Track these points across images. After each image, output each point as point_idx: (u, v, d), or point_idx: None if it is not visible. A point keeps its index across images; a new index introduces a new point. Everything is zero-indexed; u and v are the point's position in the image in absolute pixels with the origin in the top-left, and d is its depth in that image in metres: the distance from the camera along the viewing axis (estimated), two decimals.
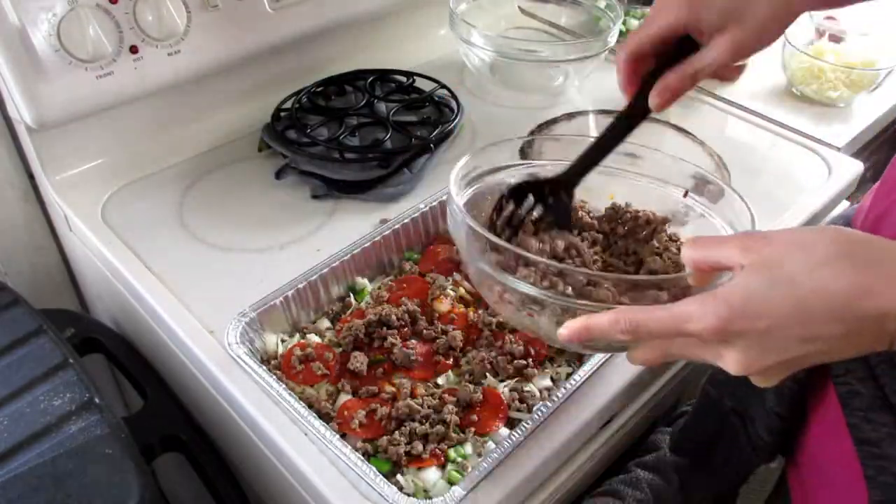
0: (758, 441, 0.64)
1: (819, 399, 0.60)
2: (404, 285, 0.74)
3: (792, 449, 0.64)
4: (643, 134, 0.96)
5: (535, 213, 0.63)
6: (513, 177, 0.66)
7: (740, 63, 0.57)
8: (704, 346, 0.44)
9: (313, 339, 0.68)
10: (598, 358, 0.64)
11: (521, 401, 0.63)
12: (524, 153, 0.92)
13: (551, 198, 0.62)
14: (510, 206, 0.61)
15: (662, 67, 0.55)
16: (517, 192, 0.62)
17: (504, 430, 0.60)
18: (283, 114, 0.93)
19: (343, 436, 0.59)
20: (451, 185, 0.59)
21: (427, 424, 0.60)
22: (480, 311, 0.70)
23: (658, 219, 0.68)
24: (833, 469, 0.59)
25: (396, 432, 0.60)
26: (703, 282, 0.49)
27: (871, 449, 0.54)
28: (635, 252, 0.66)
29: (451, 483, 0.57)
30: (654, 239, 0.66)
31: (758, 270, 0.42)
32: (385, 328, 0.67)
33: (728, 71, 0.57)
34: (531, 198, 0.62)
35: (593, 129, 0.99)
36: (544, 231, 0.63)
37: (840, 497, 0.58)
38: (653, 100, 0.56)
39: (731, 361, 0.43)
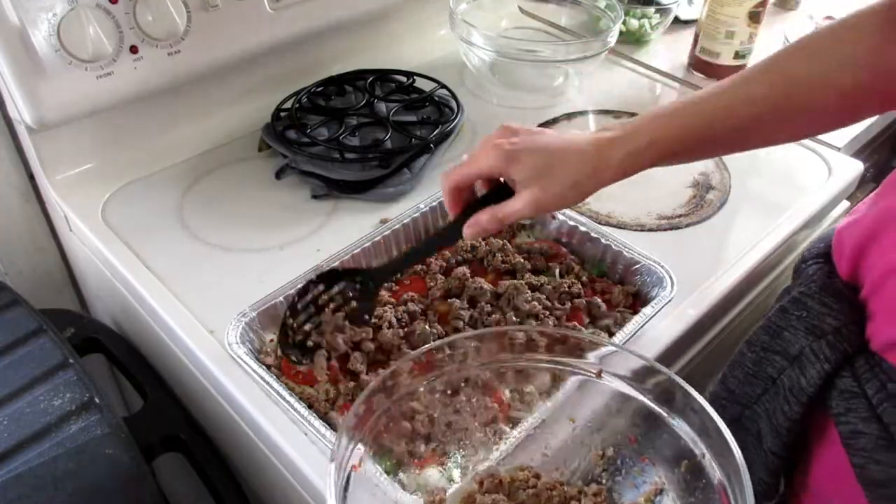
0: (756, 483, 0.63)
1: (820, 439, 0.60)
2: (406, 282, 0.74)
3: (793, 486, 0.64)
4: None
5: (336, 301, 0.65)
6: None
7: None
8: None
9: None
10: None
11: (522, 401, 0.63)
12: None
13: (359, 285, 0.66)
14: (317, 289, 0.64)
15: (484, 200, 0.62)
16: (326, 278, 0.65)
17: (504, 429, 0.60)
18: (283, 114, 0.93)
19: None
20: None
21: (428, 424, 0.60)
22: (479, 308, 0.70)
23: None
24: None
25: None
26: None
27: (881, 491, 0.53)
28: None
29: (451, 482, 0.56)
30: None
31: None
32: (385, 328, 0.67)
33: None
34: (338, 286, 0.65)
35: (593, 129, 0.99)
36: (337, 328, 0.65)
37: None
38: (465, 230, 0.61)
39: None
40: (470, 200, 0.62)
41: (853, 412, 0.56)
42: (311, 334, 0.64)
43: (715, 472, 0.50)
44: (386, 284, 0.74)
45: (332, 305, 0.65)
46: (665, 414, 0.54)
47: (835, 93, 0.57)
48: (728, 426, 0.51)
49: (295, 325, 0.64)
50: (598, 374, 0.58)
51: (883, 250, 0.57)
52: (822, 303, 0.60)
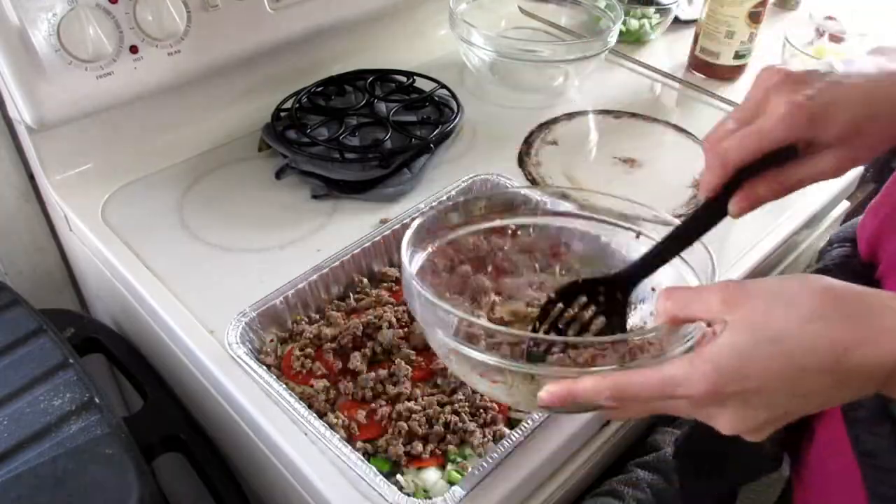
0: (761, 451, 0.64)
1: (822, 411, 0.60)
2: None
3: (797, 458, 0.64)
4: (644, 133, 0.96)
5: (587, 313, 0.55)
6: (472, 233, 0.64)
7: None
8: (694, 408, 0.43)
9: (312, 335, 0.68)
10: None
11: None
12: (522, 160, 0.92)
13: (603, 297, 0.55)
14: (558, 307, 0.55)
15: (751, 169, 0.47)
16: (566, 294, 0.55)
17: (504, 430, 0.60)
18: (283, 114, 0.93)
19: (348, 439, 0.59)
20: (402, 251, 0.56)
21: (426, 425, 0.60)
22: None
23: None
24: (835, 480, 0.59)
25: (396, 432, 0.60)
26: (673, 331, 0.47)
27: (872, 461, 0.54)
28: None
29: (451, 483, 0.57)
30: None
31: (743, 328, 0.41)
32: (385, 328, 0.67)
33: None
34: (583, 298, 0.55)
35: (593, 129, 0.99)
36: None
37: None
38: (734, 206, 0.49)
39: (723, 422, 0.43)
40: (724, 194, 0.49)
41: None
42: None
43: None
44: (385, 284, 0.74)
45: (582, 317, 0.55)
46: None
47: None
48: None
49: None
50: (637, 236, 0.61)
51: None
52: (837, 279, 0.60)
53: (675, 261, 0.54)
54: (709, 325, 0.45)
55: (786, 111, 0.45)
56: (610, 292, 0.55)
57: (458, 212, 0.62)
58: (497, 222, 0.65)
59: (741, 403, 0.41)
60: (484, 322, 0.51)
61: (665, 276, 0.55)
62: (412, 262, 0.58)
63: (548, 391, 0.46)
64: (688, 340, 0.47)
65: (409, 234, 0.58)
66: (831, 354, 0.39)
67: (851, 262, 0.62)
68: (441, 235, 0.62)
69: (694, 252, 0.54)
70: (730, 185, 0.48)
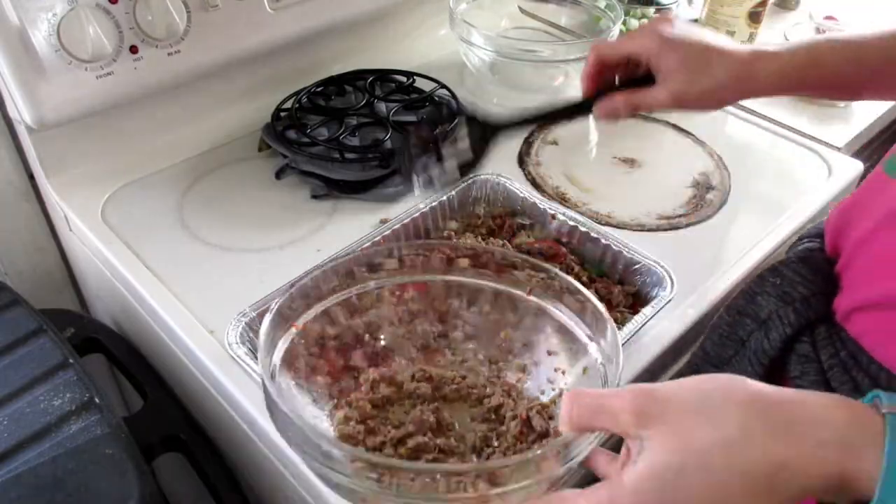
0: None
1: None
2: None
3: None
4: (644, 133, 0.96)
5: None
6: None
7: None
8: None
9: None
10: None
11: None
12: (522, 160, 0.92)
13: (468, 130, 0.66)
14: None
15: (621, 85, 0.63)
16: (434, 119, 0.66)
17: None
18: (283, 114, 0.93)
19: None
20: (259, 351, 0.51)
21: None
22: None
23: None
24: None
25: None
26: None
27: None
28: None
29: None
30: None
31: (664, 451, 0.38)
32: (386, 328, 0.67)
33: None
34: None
35: (593, 129, 0.99)
36: None
37: None
38: (597, 110, 0.63)
39: None
40: (607, 83, 0.63)
41: (806, 375, 0.59)
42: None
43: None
44: (385, 270, 0.74)
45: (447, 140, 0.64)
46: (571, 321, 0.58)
47: None
48: None
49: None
50: (529, 293, 0.61)
51: (855, 228, 0.60)
52: (797, 272, 0.63)
53: (565, 315, 0.58)
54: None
55: (647, 33, 0.60)
56: (477, 128, 0.66)
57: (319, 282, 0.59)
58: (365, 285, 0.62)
59: None
60: (376, 458, 0.45)
61: (551, 330, 0.59)
62: (274, 353, 0.53)
63: None
64: (594, 439, 0.45)
65: (265, 325, 0.53)
66: (765, 477, 0.37)
67: (814, 255, 0.64)
68: (304, 310, 0.58)
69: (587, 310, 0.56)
70: (600, 94, 0.63)
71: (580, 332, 0.57)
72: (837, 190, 0.89)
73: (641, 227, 0.82)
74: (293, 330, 0.56)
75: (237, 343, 0.64)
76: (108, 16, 0.75)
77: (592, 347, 0.56)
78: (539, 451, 0.45)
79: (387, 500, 0.43)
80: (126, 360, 0.78)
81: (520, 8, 1.20)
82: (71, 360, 0.64)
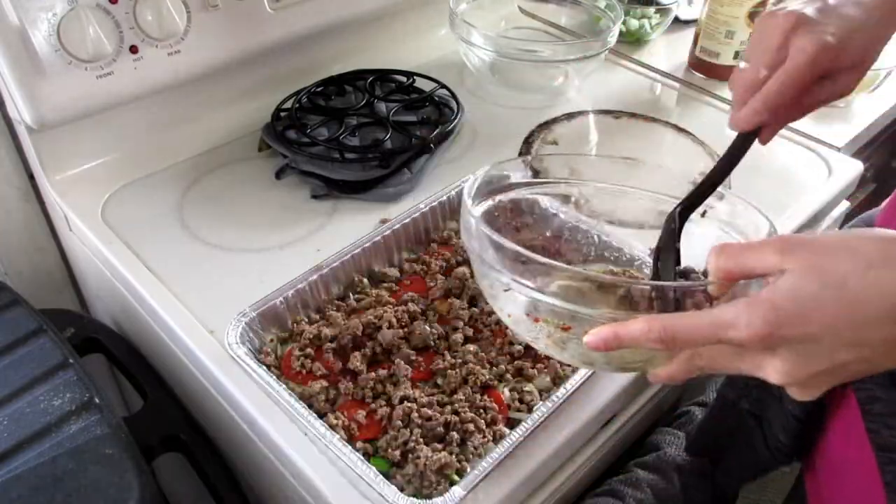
0: (774, 444, 0.64)
1: (838, 403, 0.60)
2: (406, 282, 0.74)
3: (809, 452, 0.64)
4: (644, 134, 0.96)
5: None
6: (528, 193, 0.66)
7: None
8: (743, 355, 0.42)
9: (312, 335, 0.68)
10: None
11: (521, 401, 0.63)
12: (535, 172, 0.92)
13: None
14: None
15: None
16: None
17: (504, 430, 0.60)
18: (283, 114, 0.93)
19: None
20: (465, 197, 0.57)
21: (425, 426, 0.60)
22: (479, 307, 0.70)
23: None
24: (851, 474, 0.59)
25: (397, 432, 0.60)
26: (725, 289, 0.45)
27: (890, 455, 0.54)
28: None
29: (451, 483, 0.57)
30: None
31: (805, 272, 0.39)
32: (385, 328, 0.67)
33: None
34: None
35: (593, 129, 0.99)
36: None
37: (857, 502, 0.57)
38: (765, 134, 0.57)
39: (774, 371, 0.41)
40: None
41: (872, 379, 0.56)
42: None
43: None
44: (385, 284, 0.74)
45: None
46: None
47: None
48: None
49: None
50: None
51: None
52: None
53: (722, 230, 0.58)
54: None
55: (813, 51, 0.50)
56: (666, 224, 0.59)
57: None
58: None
59: (797, 350, 0.39)
60: (543, 258, 0.48)
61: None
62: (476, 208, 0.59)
63: (594, 333, 0.44)
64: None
65: (475, 182, 0.59)
66: (895, 300, 0.38)
67: None
68: (504, 191, 0.63)
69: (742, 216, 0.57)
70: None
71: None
72: (837, 190, 0.89)
73: (641, 227, 0.82)
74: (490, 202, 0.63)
75: (237, 343, 0.64)
76: (108, 16, 0.75)
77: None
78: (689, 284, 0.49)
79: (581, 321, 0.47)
80: (126, 360, 0.78)
81: (520, 8, 1.20)
82: (71, 360, 0.64)
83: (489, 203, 0.64)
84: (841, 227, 0.94)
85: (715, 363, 0.44)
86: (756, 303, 0.39)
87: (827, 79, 0.54)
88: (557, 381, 0.65)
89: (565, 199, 0.73)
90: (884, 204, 0.66)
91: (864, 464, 0.55)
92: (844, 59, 0.52)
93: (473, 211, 0.57)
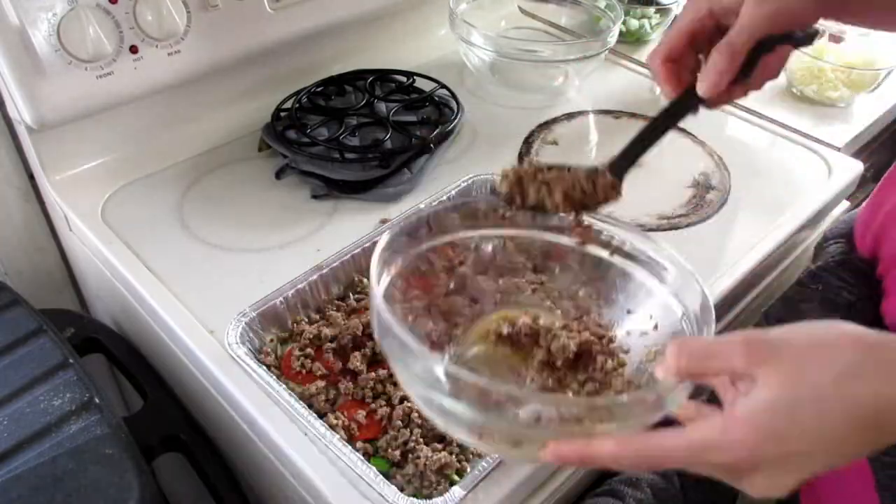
0: None
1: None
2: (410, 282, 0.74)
3: None
4: None
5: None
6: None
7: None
8: (725, 472, 0.40)
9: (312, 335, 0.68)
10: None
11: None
12: (522, 160, 0.92)
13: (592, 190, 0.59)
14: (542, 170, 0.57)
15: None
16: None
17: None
18: (283, 114, 0.93)
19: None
20: (371, 270, 0.51)
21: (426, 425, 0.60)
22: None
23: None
24: (846, 477, 0.59)
25: (397, 432, 0.60)
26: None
27: (882, 458, 0.54)
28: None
29: (451, 483, 0.57)
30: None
31: (778, 384, 0.38)
32: None
33: (771, 59, 0.54)
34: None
35: (593, 129, 0.99)
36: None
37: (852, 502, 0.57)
38: (700, 85, 0.52)
39: (755, 487, 0.40)
40: (690, 83, 0.53)
41: None
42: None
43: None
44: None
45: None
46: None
47: None
48: None
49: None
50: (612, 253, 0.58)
51: None
52: (839, 277, 0.61)
53: (659, 289, 0.56)
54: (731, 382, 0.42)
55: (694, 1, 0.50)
56: (601, 183, 0.58)
57: (429, 224, 0.58)
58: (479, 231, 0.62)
59: (777, 467, 0.39)
60: (473, 378, 0.44)
61: (652, 305, 0.57)
62: (380, 282, 0.53)
63: (555, 452, 0.42)
64: (689, 387, 0.44)
65: (378, 250, 0.53)
66: (874, 413, 0.37)
67: (852, 259, 0.62)
68: (414, 247, 0.58)
69: (681, 282, 0.56)
70: (687, 92, 0.52)
71: (664, 290, 0.56)
72: (837, 190, 0.89)
73: (641, 227, 0.82)
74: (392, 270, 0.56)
75: (237, 343, 0.64)
76: (108, 16, 0.75)
77: (676, 306, 0.54)
78: (642, 395, 0.45)
79: (499, 430, 0.44)
80: (126, 360, 0.78)
81: (520, 8, 1.20)
82: (71, 360, 0.64)
83: (401, 263, 0.57)
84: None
85: (694, 470, 0.42)
86: (735, 423, 0.38)
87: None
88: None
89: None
90: (864, 204, 0.66)
91: (859, 466, 0.55)
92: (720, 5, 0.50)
93: (375, 285, 0.51)
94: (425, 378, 0.45)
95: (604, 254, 0.60)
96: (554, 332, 0.56)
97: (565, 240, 0.61)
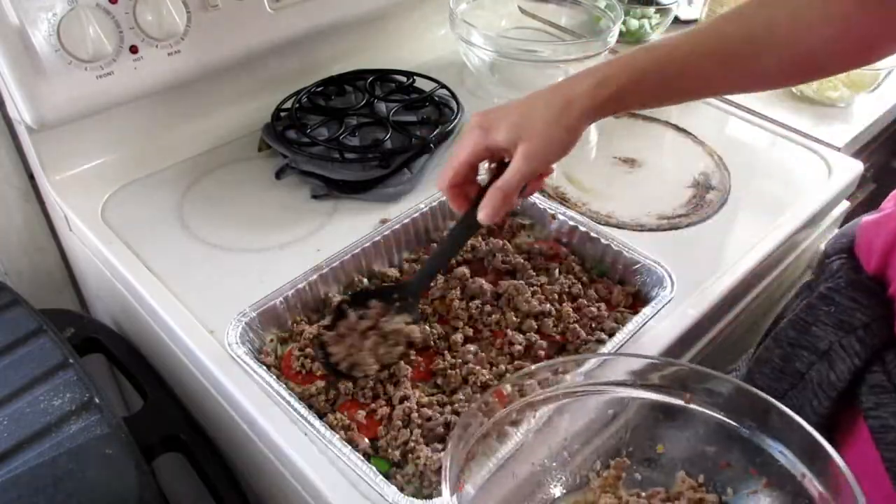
0: None
1: (849, 434, 0.60)
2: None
3: None
4: (644, 133, 0.96)
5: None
6: None
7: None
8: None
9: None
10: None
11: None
12: None
13: (398, 302, 0.67)
14: (352, 310, 0.66)
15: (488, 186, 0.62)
16: (359, 297, 0.67)
17: (506, 429, 0.60)
18: (283, 114, 0.93)
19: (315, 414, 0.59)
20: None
21: (426, 426, 0.60)
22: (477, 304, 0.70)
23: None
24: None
25: (397, 432, 0.60)
26: None
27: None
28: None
29: None
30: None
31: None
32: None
33: (534, 182, 0.66)
34: (376, 303, 0.67)
35: (593, 129, 0.99)
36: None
37: None
38: (479, 214, 0.62)
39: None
40: (477, 193, 0.63)
41: (884, 407, 0.56)
42: (346, 358, 0.64)
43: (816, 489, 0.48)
44: (385, 285, 0.74)
45: (364, 326, 0.66)
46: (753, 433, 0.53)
47: (816, 37, 0.58)
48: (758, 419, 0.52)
49: (327, 348, 0.64)
50: (688, 401, 0.55)
51: None
52: (851, 298, 0.60)
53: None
54: None
55: (467, 134, 0.62)
56: (403, 297, 0.67)
57: None
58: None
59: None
60: None
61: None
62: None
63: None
64: None
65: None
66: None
67: (860, 278, 0.62)
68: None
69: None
70: (473, 208, 0.62)
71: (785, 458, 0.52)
72: (837, 190, 0.89)
73: (641, 227, 0.82)
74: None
75: (237, 343, 0.64)
76: (108, 16, 0.75)
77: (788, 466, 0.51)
78: None
79: None
80: (126, 360, 0.78)
81: (520, 8, 1.20)
82: (71, 360, 0.64)
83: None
84: (841, 226, 0.94)
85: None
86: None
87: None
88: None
89: (563, 200, 0.71)
90: (865, 220, 0.66)
91: (881, 496, 0.55)
92: (496, 136, 0.61)
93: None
94: None
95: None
96: None
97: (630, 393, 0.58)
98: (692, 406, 0.56)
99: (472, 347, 0.66)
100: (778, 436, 0.52)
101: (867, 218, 0.65)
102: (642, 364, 0.57)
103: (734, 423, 0.54)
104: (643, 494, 0.55)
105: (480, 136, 0.61)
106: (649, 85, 0.60)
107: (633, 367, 0.57)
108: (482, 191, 0.63)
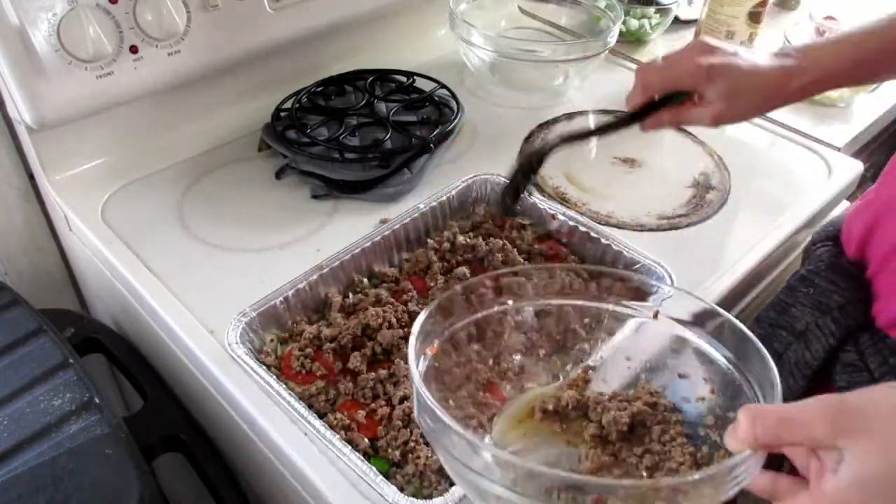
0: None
1: None
2: (407, 282, 0.74)
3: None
4: (644, 134, 0.96)
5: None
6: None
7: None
8: None
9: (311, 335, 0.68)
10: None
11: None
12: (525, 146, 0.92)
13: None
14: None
15: (663, 101, 0.70)
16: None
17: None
18: (283, 114, 0.93)
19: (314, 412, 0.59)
20: (409, 356, 0.50)
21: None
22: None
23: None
24: None
25: (397, 432, 0.60)
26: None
27: None
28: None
29: (451, 483, 0.56)
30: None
31: (869, 460, 0.36)
32: (385, 328, 0.67)
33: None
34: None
35: (593, 128, 0.99)
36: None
37: None
38: (643, 126, 0.70)
39: None
40: (649, 100, 0.69)
41: (856, 385, 0.57)
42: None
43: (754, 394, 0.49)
44: (385, 285, 0.74)
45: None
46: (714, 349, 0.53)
47: None
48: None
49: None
50: (655, 316, 0.57)
51: (885, 232, 0.59)
52: (829, 280, 0.62)
53: (714, 353, 0.53)
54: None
55: (692, 68, 0.65)
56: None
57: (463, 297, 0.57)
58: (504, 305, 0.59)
59: None
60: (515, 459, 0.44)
61: (707, 370, 0.53)
62: (419, 365, 0.52)
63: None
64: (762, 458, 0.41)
65: (416, 328, 0.51)
66: None
67: (841, 261, 0.63)
68: (451, 323, 0.57)
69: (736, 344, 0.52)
70: (647, 108, 0.70)
71: (718, 355, 0.53)
72: (837, 190, 0.89)
73: (641, 227, 0.82)
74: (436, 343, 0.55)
75: (237, 343, 0.64)
76: (108, 16, 0.75)
77: (735, 372, 0.52)
78: (715, 470, 0.41)
79: None
80: (126, 360, 0.78)
81: (520, 8, 1.19)
82: (71, 360, 0.64)
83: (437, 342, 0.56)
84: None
85: None
86: (823, 500, 0.37)
87: (701, 104, 0.67)
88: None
89: (563, 200, 0.72)
90: (850, 207, 0.67)
91: None
92: (712, 89, 0.65)
93: (414, 367, 0.49)
94: (465, 456, 0.43)
95: (647, 318, 0.57)
96: (603, 405, 0.54)
97: (606, 306, 0.59)
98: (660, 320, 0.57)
99: (475, 346, 0.66)
100: (721, 341, 0.53)
101: (850, 208, 0.66)
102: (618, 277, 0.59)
103: (694, 337, 0.54)
104: (605, 394, 0.55)
105: (700, 81, 0.65)
106: (855, 80, 0.70)
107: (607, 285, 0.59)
108: (655, 103, 0.69)
